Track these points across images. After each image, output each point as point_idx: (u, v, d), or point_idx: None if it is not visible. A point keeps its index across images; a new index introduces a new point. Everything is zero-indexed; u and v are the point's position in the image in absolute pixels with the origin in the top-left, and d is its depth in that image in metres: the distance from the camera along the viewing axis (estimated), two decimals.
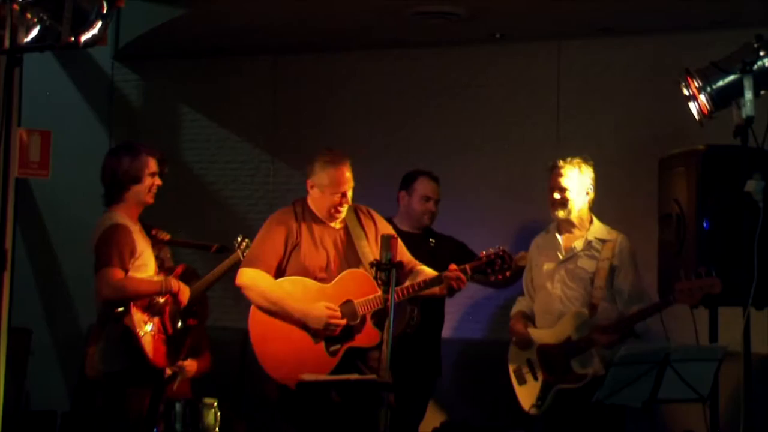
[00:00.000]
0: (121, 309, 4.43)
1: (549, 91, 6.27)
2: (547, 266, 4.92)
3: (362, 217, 4.69)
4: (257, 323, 4.54)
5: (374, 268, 4.35)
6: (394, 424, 3.98)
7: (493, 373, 5.29)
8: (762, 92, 4.00)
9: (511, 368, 4.98)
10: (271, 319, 4.48)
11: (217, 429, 4.90)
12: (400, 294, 4.44)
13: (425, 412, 5.55)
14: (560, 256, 4.88)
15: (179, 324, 4.76)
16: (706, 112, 4.09)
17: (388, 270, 4.06)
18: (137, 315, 4.43)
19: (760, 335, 4.20)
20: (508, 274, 4.67)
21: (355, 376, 4.28)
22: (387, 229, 4.71)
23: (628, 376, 3.90)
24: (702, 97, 4.07)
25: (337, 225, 4.63)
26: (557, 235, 4.93)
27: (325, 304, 4.44)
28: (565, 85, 6.25)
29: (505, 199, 6.26)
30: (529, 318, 4.99)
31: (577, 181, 4.83)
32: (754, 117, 3.92)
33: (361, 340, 4.44)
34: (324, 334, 4.43)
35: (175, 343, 4.67)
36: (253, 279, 4.51)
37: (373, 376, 4.09)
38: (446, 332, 5.62)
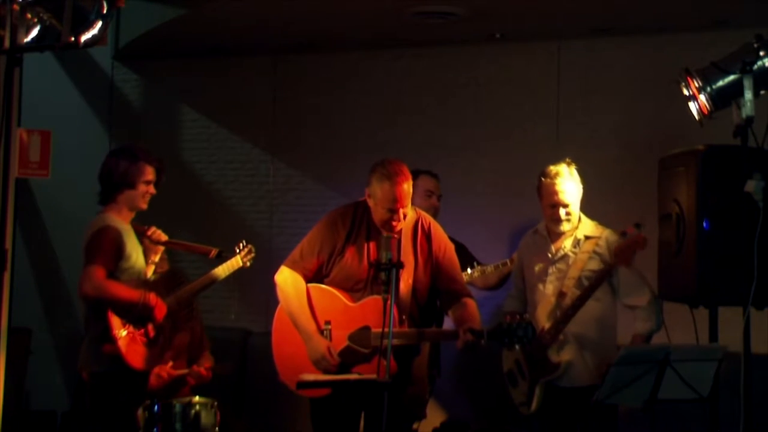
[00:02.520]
0: (98, 310, 4.47)
1: (549, 91, 6.27)
2: (539, 266, 4.92)
3: (419, 234, 4.47)
4: (280, 323, 4.52)
5: (373, 267, 4.37)
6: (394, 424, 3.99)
7: (493, 373, 5.29)
8: (762, 92, 4.00)
9: (504, 372, 4.98)
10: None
11: (216, 429, 4.90)
12: (415, 336, 4.33)
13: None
14: (551, 256, 4.88)
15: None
16: (706, 112, 4.08)
17: (388, 270, 4.06)
18: (114, 319, 4.48)
19: (760, 335, 4.20)
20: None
21: (355, 376, 4.25)
22: (444, 252, 4.49)
23: (628, 376, 3.90)
24: (702, 97, 4.07)
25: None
26: (547, 235, 4.93)
27: (329, 345, 4.34)
28: (565, 85, 6.25)
29: (505, 199, 6.27)
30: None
31: (576, 192, 4.83)
32: (754, 117, 3.91)
33: (367, 370, 4.28)
34: (314, 365, 4.35)
35: (158, 347, 4.68)
36: (284, 281, 4.47)
37: (373, 376, 4.07)
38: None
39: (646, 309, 4.72)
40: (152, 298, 4.58)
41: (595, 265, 4.74)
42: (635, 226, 4.60)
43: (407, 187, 4.36)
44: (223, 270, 5.02)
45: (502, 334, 4.22)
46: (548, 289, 4.83)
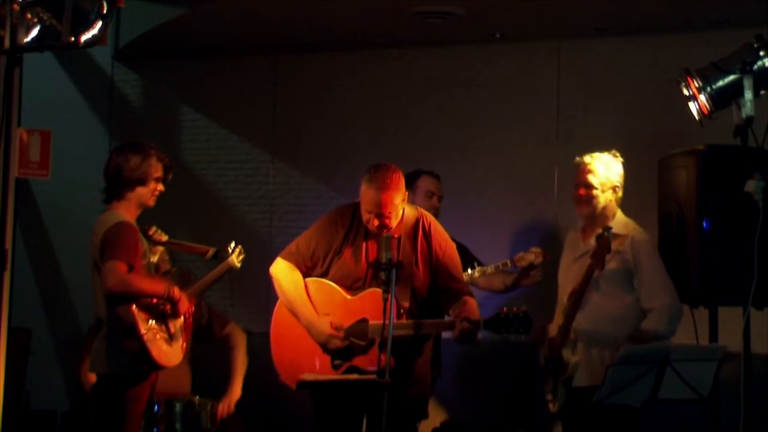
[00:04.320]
0: (122, 306, 4.39)
1: (549, 91, 6.27)
2: (567, 263, 4.88)
3: (420, 232, 4.45)
4: (278, 322, 4.53)
5: (372, 267, 4.37)
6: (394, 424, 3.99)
7: (493, 373, 5.29)
8: (762, 92, 4.01)
9: (540, 367, 4.94)
10: (290, 320, 4.45)
11: (216, 429, 4.91)
12: (411, 327, 4.32)
13: None
14: (578, 254, 4.81)
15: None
16: (706, 112, 4.09)
17: (388, 270, 4.06)
18: (139, 314, 4.41)
19: (760, 335, 4.20)
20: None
21: (354, 376, 4.26)
22: (444, 250, 4.46)
23: (628, 376, 3.90)
24: (702, 97, 4.08)
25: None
26: (579, 232, 4.88)
27: (331, 321, 4.35)
28: (565, 85, 6.25)
29: (505, 199, 6.26)
30: None
31: (603, 178, 4.75)
32: (754, 117, 3.92)
33: (364, 362, 4.30)
34: (322, 348, 4.38)
35: (178, 343, 4.63)
36: (280, 272, 4.48)
37: (373, 376, 4.08)
38: (446, 332, 5.61)
39: (658, 310, 4.58)
40: (176, 291, 4.51)
41: (615, 264, 4.61)
42: (604, 230, 4.54)
43: (390, 196, 4.30)
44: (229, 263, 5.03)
45: (498, 324, 4.21)
46: (569, 286, 4.75)
